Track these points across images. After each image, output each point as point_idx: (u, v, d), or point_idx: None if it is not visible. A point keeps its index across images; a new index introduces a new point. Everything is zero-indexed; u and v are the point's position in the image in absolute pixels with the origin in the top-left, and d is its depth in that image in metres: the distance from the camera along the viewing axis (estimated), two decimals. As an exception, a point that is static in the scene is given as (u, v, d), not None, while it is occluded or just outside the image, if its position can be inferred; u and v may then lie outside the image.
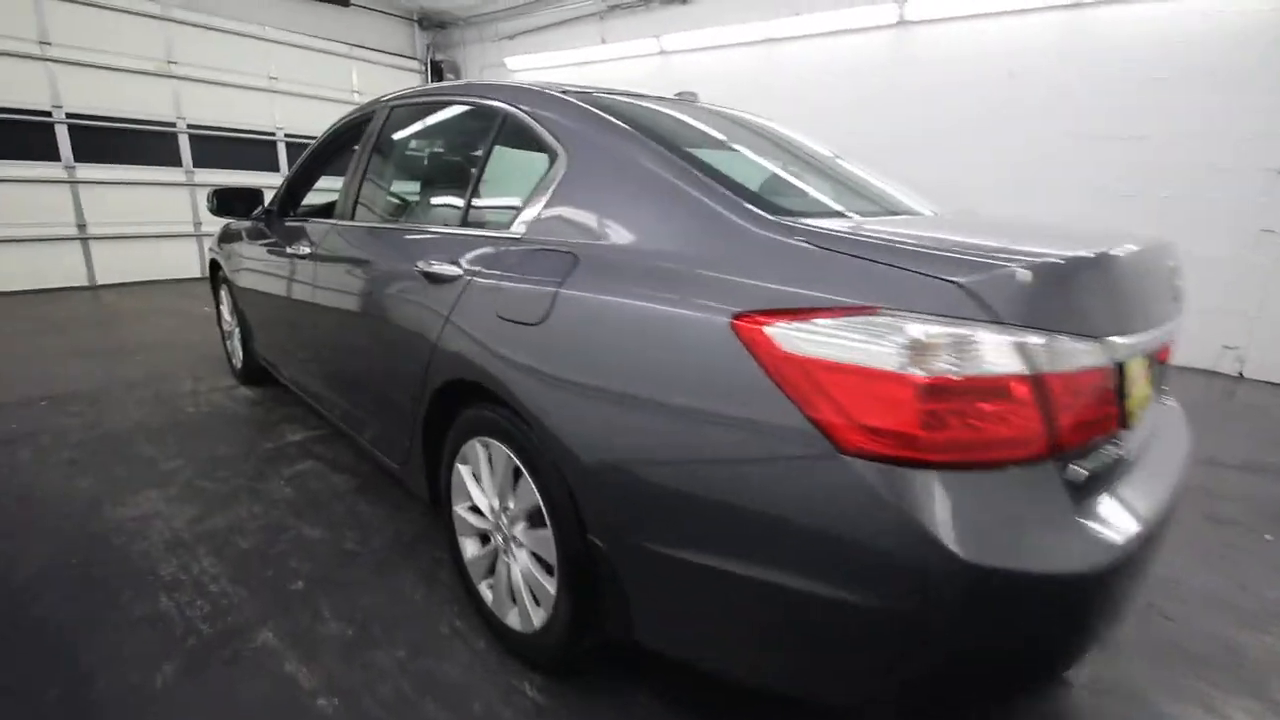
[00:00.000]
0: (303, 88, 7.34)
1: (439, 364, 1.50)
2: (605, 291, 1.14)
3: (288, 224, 2.58)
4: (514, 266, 1.34)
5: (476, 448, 1.47)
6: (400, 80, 8.42)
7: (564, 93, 1.53)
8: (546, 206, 1.37)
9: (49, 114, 5.60)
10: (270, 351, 2.89)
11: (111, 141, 5.99)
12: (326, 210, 3.06)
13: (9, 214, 5.53)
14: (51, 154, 5.68)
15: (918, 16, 5.22)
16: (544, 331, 1.20)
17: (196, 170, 6.60)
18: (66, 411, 2.93)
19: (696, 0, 6.38)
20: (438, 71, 8.62)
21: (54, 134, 5.66)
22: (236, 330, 3.29)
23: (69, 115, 5.70)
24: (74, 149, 5.78)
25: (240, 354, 3.32)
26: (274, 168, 7.27)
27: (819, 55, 5.81)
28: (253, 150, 7.06)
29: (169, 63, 6.24)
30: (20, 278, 5.69)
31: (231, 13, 6.66)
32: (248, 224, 2.82)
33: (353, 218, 2.10)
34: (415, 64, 8.57)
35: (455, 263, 1.48)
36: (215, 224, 6.83)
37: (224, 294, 3.36)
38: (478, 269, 1.42)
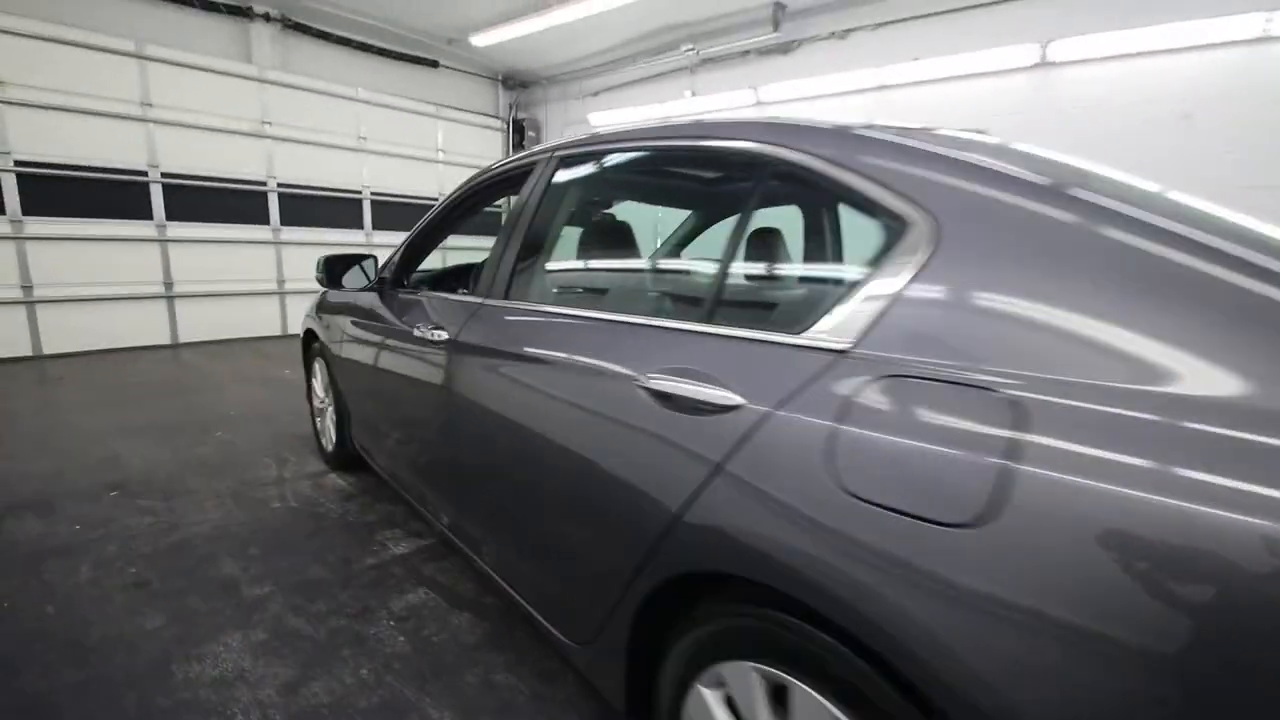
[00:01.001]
0: (390, 147, 7.28)
1: (690, 539, 0.97)
2: (1110, 477, 0.60)
3: (407, 296, 2.16)
4: (867, 403, 0.80)
5: (750, 676, 0.92)
6: (483, 140, 8.34)
7: (872, 129, 1.04)
8: (901, 304, 0.84)
9: (145, 174, 5.57)
10: (372, 440, 2.45)
11: (202, 200, 5.93)
12: (453, 279, 2.68)
13: (100, 273, 5.45)
14: (144, 213, 5.62)
15: (1064, 57, 4.69)
16: (982, 538, 0.66)
17: (283, 228, 6.51)
18: (137, 507, 2.53)
19: (800, 50, 6.04)
20: (519, 130, 8.53)
21: (148, 193, 5.61)
22: (330, 409, 2.88)
23: (164, 175, 5.66)
24: (166, 208, 5.72)
25: (333, 436, 2.90)
26: (358, 225, 7.16)
27: (936, 100, 5.33)
28: (339, 209, 6.98)
29: (263, 123, 6.22)
30: (105, 336, 5.56)
31: (325, 74, 6.67)
32: (357, 294, 2.42)
33: (507, 296, 1.63)
34: (498, 123, 8.51)
35: (720, 383, 0.97)
36: (299, 281, 6.90)
37: (318, 367, 2.97)
38: (777, 398, 0.89)
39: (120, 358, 5.45)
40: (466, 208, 2.14)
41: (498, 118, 8.51)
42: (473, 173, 2.09)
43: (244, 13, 6.06)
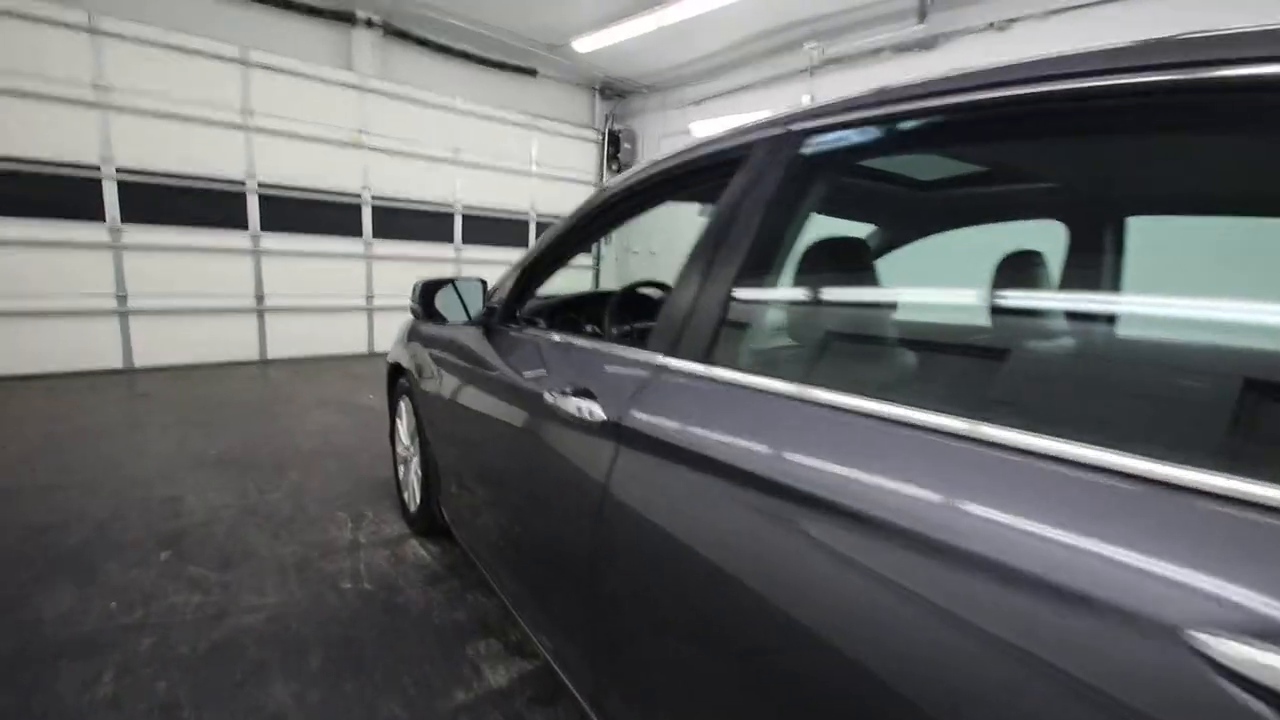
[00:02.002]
0: (484, 159, 6.97)
1: None
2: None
3: (524, 335, 1.60)
4: None
5: None
6: (578, 152, 7.95)
7: None
8: None
9: (242, 183, 5.41)
10: (465, 517, 1.89)
11: (296, 212, 5.74)
12: (577, 311, 2.17)
13: (194, 284, 5.30)
14: (240, 223, 5.46)
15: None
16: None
17: (375, 241, 6.26)
18: (188, 577, 2.07)
19: (946, 44, 5.25)
20: (614, 141, 8.09)
21: (244, 203, 5.45)
22: (415, 460, 2.37)
23: (260, 185, 5.49)
24: (261, 219, 5.54)
25: (417, 494, 2.39)
26: (448, 239, 6.86)
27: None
28: (430, 222, 6.70)
29: (360, 133, 6.00)
30: (196, 350, 5.40)
31: (423, 83, 6.43)
32: (459, 327, 1.87)
33: (710, 358, 1.00)
34: (593, 134, 8.10)
35: None
36: (389, 298, 6.66)
37: (404, 408, 2.47)
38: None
39: (208, 373, 5.26)
40: (608, 219, 1.56)
41: (593, 129, 8.10)
42: (577, 191, 1.48)
43: (346, 18, 5.88)
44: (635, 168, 1.43)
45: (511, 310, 1.75)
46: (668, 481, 0.94)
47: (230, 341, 5.58)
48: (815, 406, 0.80)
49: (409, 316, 2.36)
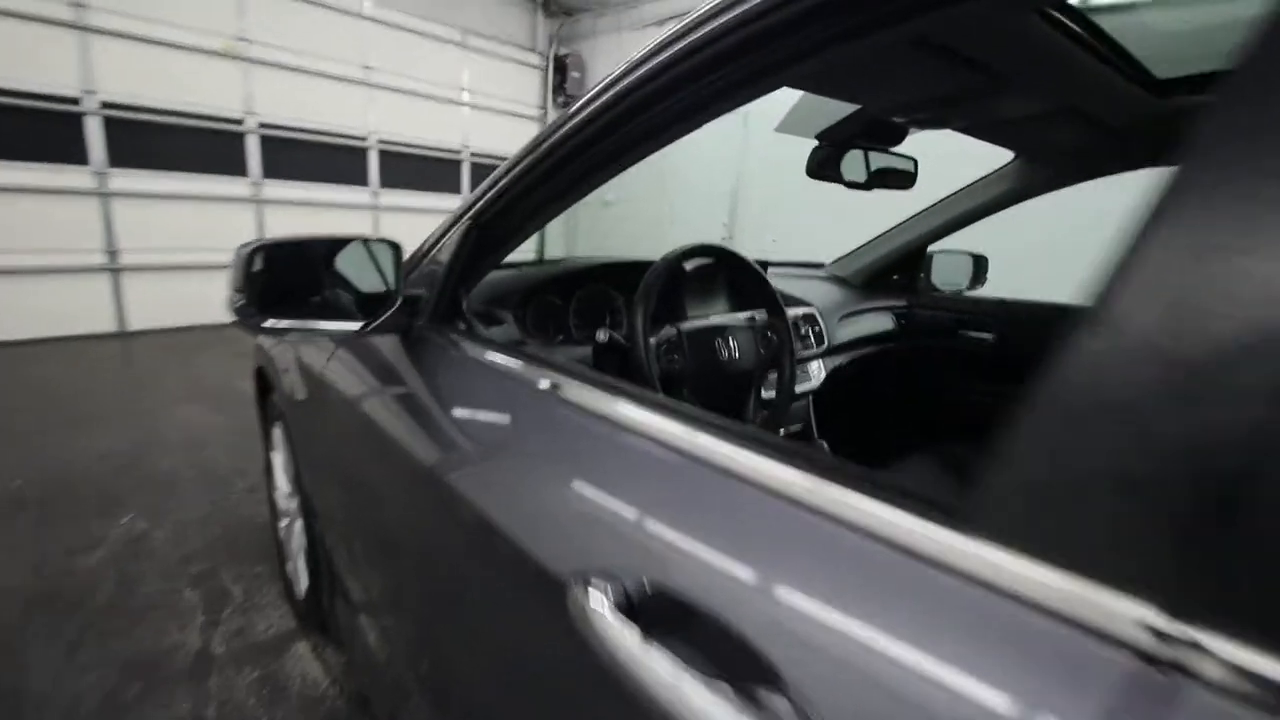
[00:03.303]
0: (405, 81, 5.76)
1: None
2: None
3: (476, 351, 0.79)
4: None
5: None
6: (519, 80, 6.80)
7: None
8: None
9: (76, 101, 4.11)
10: (366, 631, 1.06)
11: (153, 141, 4.47)
12: (569, 298, 1.29)
13: (23, 238, 4.03)
14: (78, 157, 4.17)
15: None
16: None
17: (266, 182, 5.04)
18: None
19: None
20: (561, 69, 6.97)
21: (82, 129, 4.15)
22: (299, 526, 1.50)
23: (104, 105, 4.20)
24: (109, 151, 4.27)
25: (304, 574, 1.53)
26: (361, 180, 5.67)
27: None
28: (339, 160, 5.48)
29: (237, 40, 4.71)
30: (29, 321, 4.16)
31: (322, -19, 5.14)
32: (349, 333, 0.98)
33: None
34: (536, 59, 6.94)
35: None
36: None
37: (279, 439, 1.59)
38: None
39: (44, 351, 4.07)
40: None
41: (536, 52, 6.94)
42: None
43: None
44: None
45: (451, 301, 0.91)
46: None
47: (73, 310, 4.35)
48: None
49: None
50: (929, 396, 1.81)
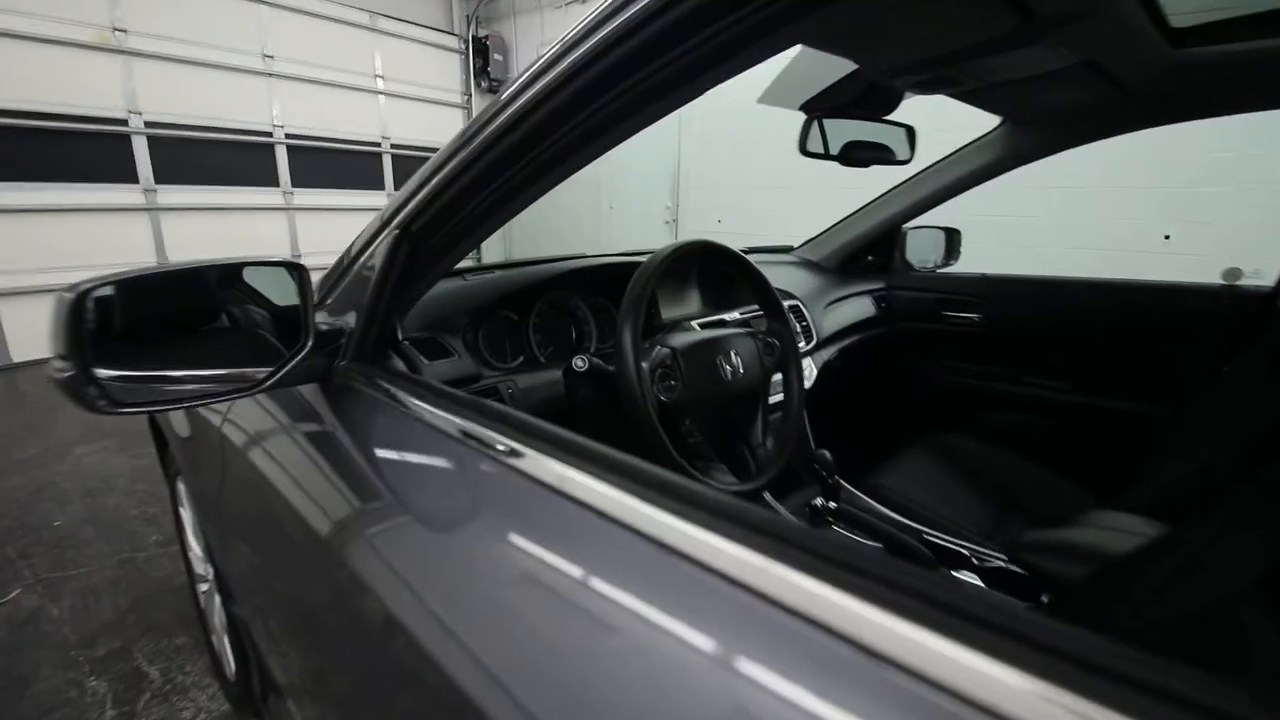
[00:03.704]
0: (310, 70, 5.30)
1: None
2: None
3: (425, 404, 0.62)
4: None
5: None
6: (437, 65, 6.40)
7: None
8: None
9: None
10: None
11: (25, 148, 3.92)
12: (544, 311, 1.10)
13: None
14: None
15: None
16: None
17: (161, 188, 4.54)
18: None
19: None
20: (482, 52, 6.60)
21: None
22: (217, 604, 1.27)
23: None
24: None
25: (229, 650, 1.30)
26: (271, 180, 5.20)
27: None
28: (244, 158, 5.00)
29: (113, 30, 4.19)
30: None
31: (207, -39, 4.63)
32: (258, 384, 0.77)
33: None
34: (454, 41, 6.54)
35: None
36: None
37: (184, 495, 1.34)
38: None
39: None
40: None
41: (453, 35, 6.54)
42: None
43: None
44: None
45: (382, 332, 0.71)
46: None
47: None
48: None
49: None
50: (917, 383, 1.71)
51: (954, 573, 1.02)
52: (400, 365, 0.75)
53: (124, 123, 4.32)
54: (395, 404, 0.63)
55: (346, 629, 0.61)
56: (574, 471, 0.44)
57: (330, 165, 5.56)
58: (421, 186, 0.66)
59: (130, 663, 1.54)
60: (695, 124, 5.00)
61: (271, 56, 5.05)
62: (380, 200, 5.77)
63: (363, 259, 0.74)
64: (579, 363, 0.86)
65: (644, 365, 0.85)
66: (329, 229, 5.48)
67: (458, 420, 0.56)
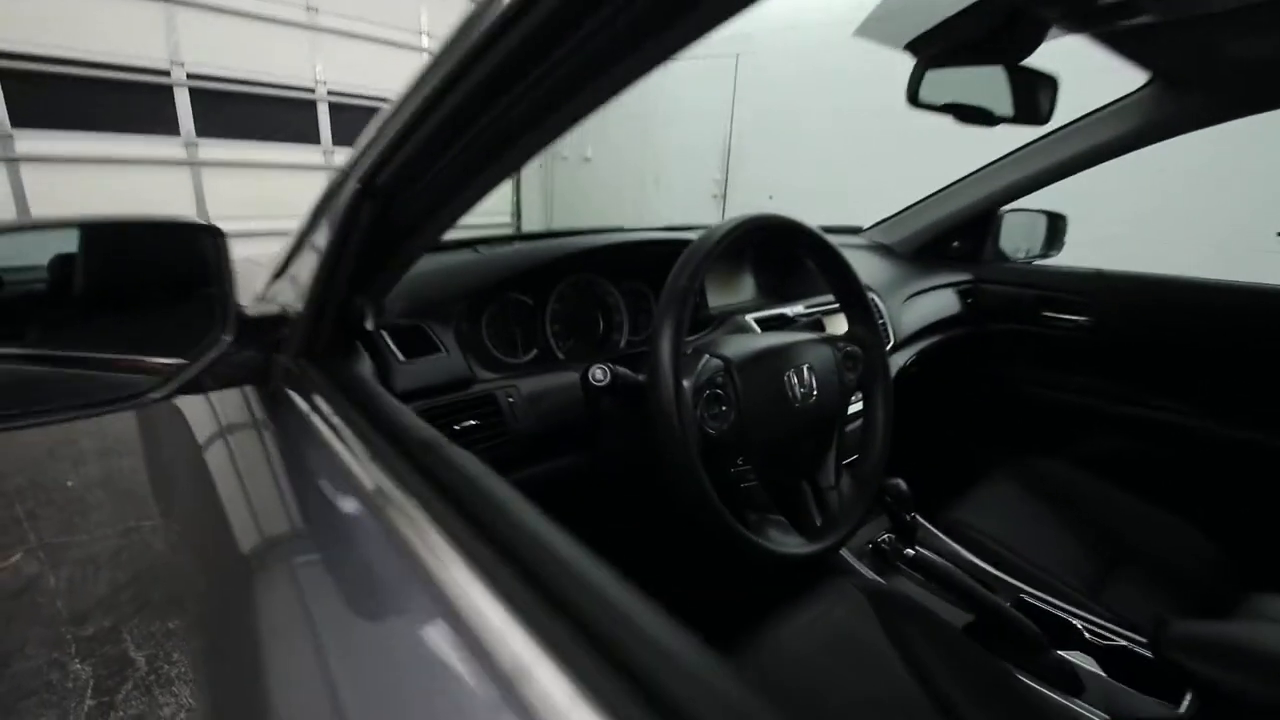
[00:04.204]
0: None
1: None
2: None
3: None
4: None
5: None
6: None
7: None
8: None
9: None
10: None
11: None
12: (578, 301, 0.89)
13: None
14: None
15: None
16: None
17: (18, 133, 3.79)
18: None
19: None
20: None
21: None
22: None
23: None
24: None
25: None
26: (170, 127, 4.34)
27: None
28: (136, 101, 4.14)
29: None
30: None
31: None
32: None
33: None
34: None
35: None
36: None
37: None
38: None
39: None
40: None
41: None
42: None
43: None
44: None
45: (340, 321, 0.53)
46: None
47: None
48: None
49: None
50: (1006, 396, 1.46)
51: (1065, 654, 0.80)
52: (365, 366, 0.57)
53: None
54: (322, 430, 0.44)
55: None
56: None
57: (249, 112, 4.76)
58: (387, 129, 0.47)
59: (118, 645, 1.44)
60: (749, 98, 4.69)
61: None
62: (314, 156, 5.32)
63: (317, 227, 0.55)
64: (598, 374, 0.66)
65: (686, 384, 0.65)
66: (239, 186, 4.76)
67: (386, 482, 0.37)
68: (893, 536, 0.99)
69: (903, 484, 0.93)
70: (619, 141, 5.55)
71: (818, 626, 0.73)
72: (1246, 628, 0.67)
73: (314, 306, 0.53)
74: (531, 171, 6.39)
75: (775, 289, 1.24)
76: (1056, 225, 1.50)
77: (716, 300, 1.11)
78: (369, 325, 0.58)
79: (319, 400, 0.48)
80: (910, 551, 0.95)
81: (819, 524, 0.76)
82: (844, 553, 0.97)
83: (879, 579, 0.94)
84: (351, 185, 0.50)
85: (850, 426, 0.94)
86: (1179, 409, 1.26)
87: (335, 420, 0.44)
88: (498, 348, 0.84)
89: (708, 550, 0.81)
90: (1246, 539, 1.08)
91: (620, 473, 0.87)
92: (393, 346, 0.68)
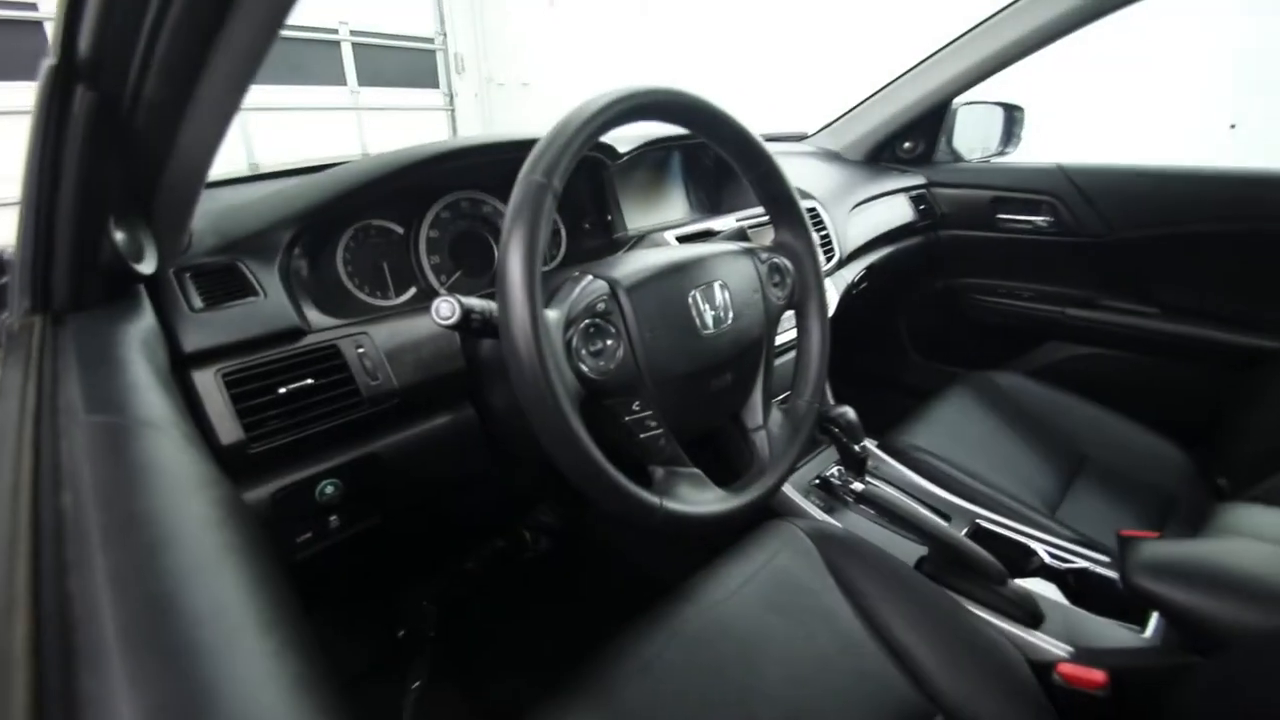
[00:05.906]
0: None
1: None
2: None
3: None
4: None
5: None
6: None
7: None
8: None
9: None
10: None
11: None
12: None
13: None
14: None
15: None
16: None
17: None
18: None
19: None
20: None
21: None
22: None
23: None
24: None
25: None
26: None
27: None
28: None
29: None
30: None
31: None
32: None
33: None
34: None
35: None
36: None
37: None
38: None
39: None
40: None
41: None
42: None
43: None
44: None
45: (83, 254, 0.41)
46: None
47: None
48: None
49: None
50: (962, 307, 1.38)
51: (1027, 584, 0.74)
52: (138, 322, 0.44)
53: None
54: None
55: None
56: None
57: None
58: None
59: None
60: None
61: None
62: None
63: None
64: (443, 309, 0.51)
65: (553, 314, 0.53)
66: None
67: None
68: (842, 470, 0.91)
69: (851, 412, 0.84)
70: (562, 66, 5.18)
71: (762, 574, 0.68)
72: (1217, 546, 0.61)
73: (40, 243, 0.40)
74: (467, 102, 5.96)
75: (707, 205, 1.12)
76: (1013, 117, 1.38)
77: (638, 221, 0.99)
78: (146, 268, 0.45)
79: (21, 369, 0.35)
80: (859, 486, 0.88)
81: (744, 474, 0.65)
82: (790, 490, 0.89)
83: (828, 517, 0.87)
84: (46, 69, 0.36)
85: (784, 358, 0.84)
86: (1143, 311, 1.18)
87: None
88: (362, 288, 0.71)
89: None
90: (1215, 445, 1.03)
91: (510, 434, 0.74)
92: (192, 293, 0.55)
